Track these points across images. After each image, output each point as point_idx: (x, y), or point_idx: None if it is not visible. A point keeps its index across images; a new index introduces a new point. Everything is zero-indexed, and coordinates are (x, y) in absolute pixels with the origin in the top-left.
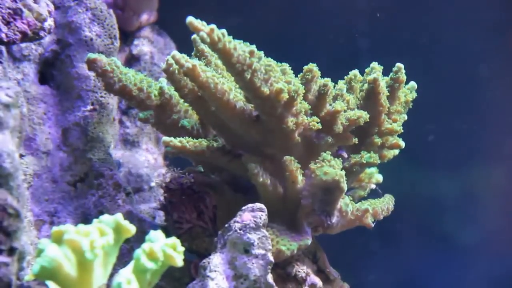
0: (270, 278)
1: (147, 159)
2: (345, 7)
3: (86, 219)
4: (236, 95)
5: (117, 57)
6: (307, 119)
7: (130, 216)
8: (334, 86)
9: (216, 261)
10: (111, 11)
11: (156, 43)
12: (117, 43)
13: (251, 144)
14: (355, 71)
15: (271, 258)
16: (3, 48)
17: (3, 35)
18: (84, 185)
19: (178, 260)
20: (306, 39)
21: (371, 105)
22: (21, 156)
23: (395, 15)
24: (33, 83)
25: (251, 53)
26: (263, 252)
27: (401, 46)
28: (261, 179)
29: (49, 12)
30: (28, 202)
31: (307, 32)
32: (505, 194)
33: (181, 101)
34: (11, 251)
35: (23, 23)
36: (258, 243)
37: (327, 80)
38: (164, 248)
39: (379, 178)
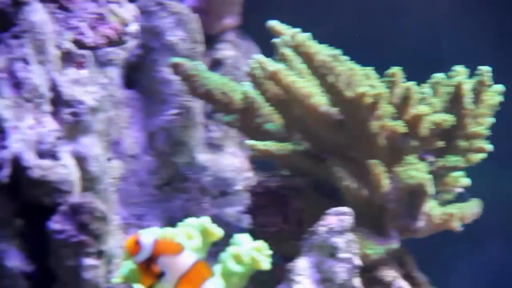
0: (356, 282)
1: (232, 163)
2: (426, 8)
3: (172, 223)
4: (319, 98)
5: (201, 61)
6: (392, 123)
7: (216, 219)
8: (419, 90)
9: (302, 265)
10: (195, 15)
11: (239, 47)
12: (201, 47)
13: (335, 148)
14: (440, 74)
15: (358, 262)
16: (89, 53)
17: (89, 40)
18: (170, 188)
19: (265, 263)
20: (388, 42)
21: (456, 108)
22: (108, 159)
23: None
24: (118, 87)
25: (334, 57)
26: (349, 255)
27: (485, 48)
28: (345, 183)
29: (134, 17)
30: (116, 206)
31: (389, 35)
32: None
33: (265, 104)
34: (99, 254)
35: (108, 28)
36: (344, 247)
37: (412, 84)
38: (250, 251)
39: (466, 181)
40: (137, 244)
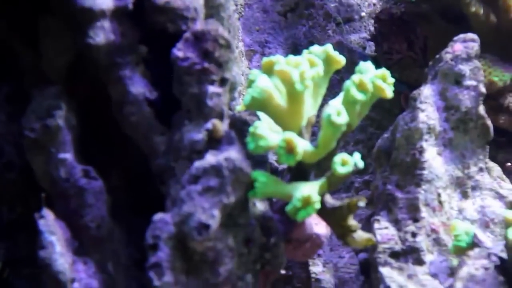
0: (481, 109)
1: None
2: None
3: (296, 49)
4: None
5: None
6: None
7: (340, 46)
8: None
9: (427, 92)
10: None
11: None
12: None
13: None
14: None
15: (483, 89)
16: None
17: None
18: (295, 15)
19: (388, 91)
20: None
21: None
22: None
23: None
24: None
25: None
26: (474, 83)
27: None
28: (473, 9)
29: None
30: (239, 33)
31: None
32: None
33: None
34: (223, 82)
35: None
36: (469, 74)
37: None
38: (374, 79)
39: None
40: None
